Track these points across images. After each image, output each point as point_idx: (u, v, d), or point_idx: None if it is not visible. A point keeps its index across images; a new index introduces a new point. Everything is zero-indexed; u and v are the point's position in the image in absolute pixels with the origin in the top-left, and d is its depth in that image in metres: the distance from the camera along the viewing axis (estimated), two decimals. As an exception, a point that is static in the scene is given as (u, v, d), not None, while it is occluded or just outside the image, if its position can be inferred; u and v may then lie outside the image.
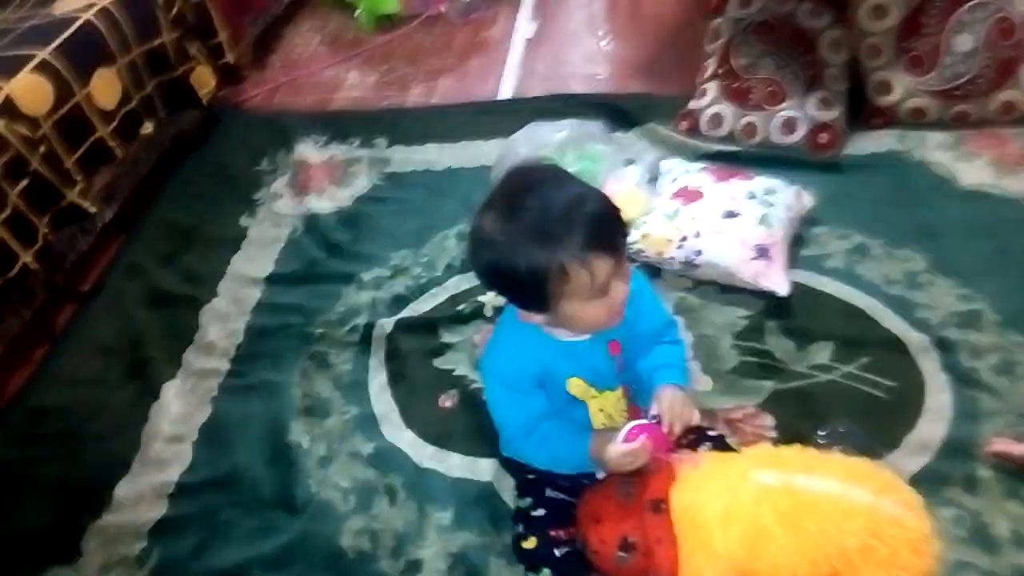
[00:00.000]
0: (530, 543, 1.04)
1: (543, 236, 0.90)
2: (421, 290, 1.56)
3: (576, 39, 2.36)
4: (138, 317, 1.60)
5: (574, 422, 1.06)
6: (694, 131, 1.80)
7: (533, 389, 1.04)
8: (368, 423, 1.33)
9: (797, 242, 1.49)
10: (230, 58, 2.23)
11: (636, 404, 1.10)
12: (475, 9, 2.51)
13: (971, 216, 1.51)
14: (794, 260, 1.45)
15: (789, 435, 1.16)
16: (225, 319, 1.57)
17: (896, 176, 1.62)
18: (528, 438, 1.06)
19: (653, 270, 1.47)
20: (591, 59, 2.25)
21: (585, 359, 1.04)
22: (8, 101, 1.50)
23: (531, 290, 0.93)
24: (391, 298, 1.55)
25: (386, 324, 1.49)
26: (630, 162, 1.67)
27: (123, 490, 1.28)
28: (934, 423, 1.18)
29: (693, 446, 1.08)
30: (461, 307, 1.50)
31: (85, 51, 1.67)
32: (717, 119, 1.78)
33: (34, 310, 1.60)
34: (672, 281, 1.47)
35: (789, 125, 1.71)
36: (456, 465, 1.25)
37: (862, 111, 1.74)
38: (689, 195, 1.49)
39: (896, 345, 1.30)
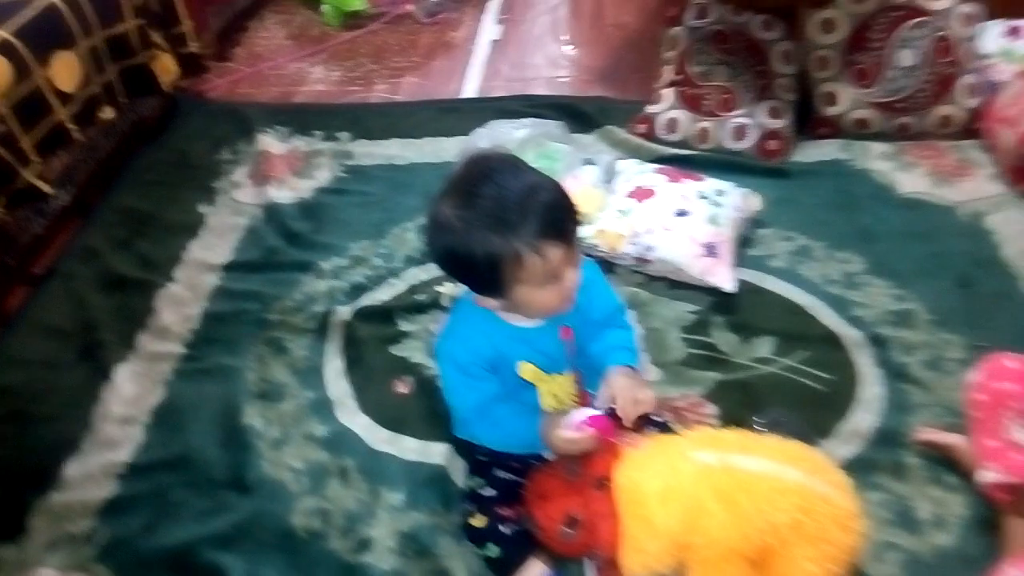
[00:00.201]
0: (478, 521, 1.07)
1: (499, 223, 0.93)
2: (380, 280, 1.58)
3: (540, 43, 2.41)
4: (91, 301, 1.58)
5: (525, 405, 1.09)
6: (650, 135, 1.86)
7: (486, 372, 1.08)
8: (323, 407, 1.35)
9: (744, 242, 1.56)
10: (193, 48, 2.22)
11: (585, 389, 1.14)
12: (441, 10, 2.54)
13: (908, 222, 1.59)
14: (741, 259, 1.51)
15: (730, 423, 1.19)
16: (181, 304, 1.56)
17: (839, 183, 1.70)
18: (481, 419, 1.09)
19: (607, 265, 1.51)
20: (554, 63, 2.31)
21: (537, 343, 1.08)
22: (-36, 78, 1.48)
23: (486, 275, 0.97)
24: (349, 287, 1.57)
25: (344, 312, 1.50)
26: (588, 162, 1.71)
27: (72, 469, 1.27)
28: (866, 414, 1.25)
29: (639, 430, 1.12)
30: (419, 297, 1.53)
31: (46, 33, 1.65)
32: (672, 124, 1.84)
33: (-15, 291, 1.58)
34: (625, 276, 1.52)
35: (740, 132, 1.78)
36: (409, 448, 1.27)
37: (809, 121, 1.82)
38: (642, 194, 1.54)
39: (833, 341, 1.36)
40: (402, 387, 1.37)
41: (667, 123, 1.85)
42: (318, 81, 2.30)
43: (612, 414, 1.01)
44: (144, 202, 1.84)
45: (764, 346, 1.37)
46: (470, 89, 2.22)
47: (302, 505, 1.20)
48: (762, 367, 1.34)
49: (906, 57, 1.72)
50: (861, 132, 1.79)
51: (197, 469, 1.27)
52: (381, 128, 2.02)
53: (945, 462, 1.16)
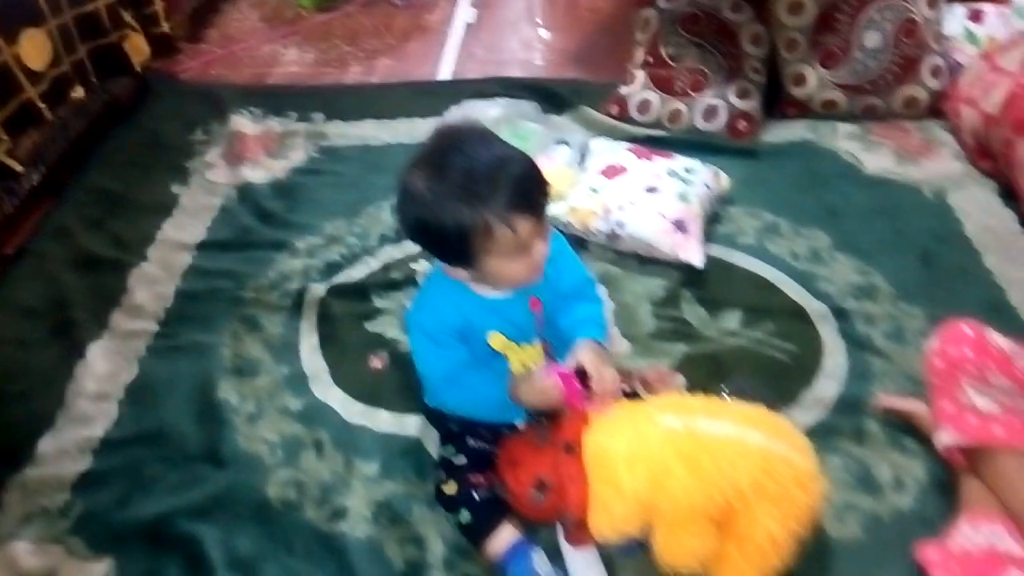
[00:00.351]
0: (450, 488, 1.09)
1: (469, 194, 0.95)
2: (354, 258, 1.59)
3: (514, 27, 2.42)
4: (64, 280, 1.58)
5: (495, 372, 1.11)
6: (623, 116, 1.88)
7: (455, 341, 1.09)
8: (298, 382, 1.35)
9: (714, 220, 1.58)
10: (165, 28, 2.22)
11: (554, 358, 1.16)
12: (417, -7, 2.54)
13: (873, 200, 1.63)
14: (710, 236, 1.54)
15: (698, 393, 1.24)
16: (154, 283, 1.56)
17: (807, 162, 1.74)
18: (450, 387, 1.11)
19: (579, 242, 1.53)
20: (528, 46, 2.32)
21: (507, 314, 1.10)
22: (-70, 54, 1.46)
23: (456, 246, 0.98)
24: (324, 265, 1.57)
25: (318, 289, 1.51)
26: (561, 142, 1.73)
27: (46, 445, 1.27)
28: (829, 382, 1.28)
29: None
30: (393, 274, 1.54)
31: (14, 10, 1.64)
32: (645, 105, 1.86)
33: (-46, 271, 1.57)
34: (597, 253, 1.54)
35: (711, 112, 1.80)
36: (384, 421, 1.28)
37: (778, 102, 1.85)
38: (613, 171, 1.56)
39: (799, 313, 1.40)
40: (377, 362, 1.38)
41: (639, 104, 1.87)
42: (292, 63, 2.29)
43: (580, 377, 1.04)
44: (116, 182, 1.83)
45: (732, 319, 1.40)
46: (445, 71, 2.23)
47: (277, 477, 1.21)
48: (730, 339, 1.37)
49: (872, 39, 1.75)
50: (828, 113, 1.82)
51: (171, 443, 1.27)
52: (355, 109, 2.02)
53: (905, 427, 1.20)
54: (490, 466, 1.09)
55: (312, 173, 1.84)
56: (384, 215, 1.69)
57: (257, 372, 1.38)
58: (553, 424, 1.06)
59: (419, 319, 1.12)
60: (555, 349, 1.15)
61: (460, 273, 1.06)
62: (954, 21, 1.83)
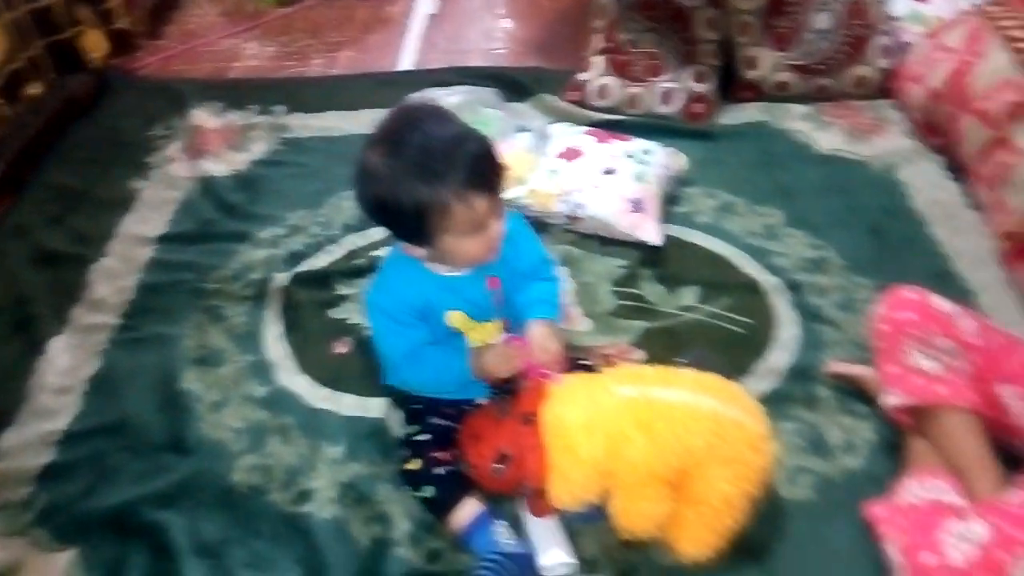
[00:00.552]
0: (414, 464, 1.11)
1: (426, 172, 0.96)
2: (317, 247, 1.59)
3: (476, 17, 2.43)
4: (24, 276, 1.56)
5: (454, 350, 1.13)
6: (582, 102, 1.91)
7: (415, 320, 1.11)
8: (262, 369, 1.36)
9: (671, 200, 1.61)
10: (123, 24, 2.20)
11: (513, 335, 1.18)
12: (377, -15, 2.54)
13: (825, 177, 1.68)
14: (668, 216, 1.57)
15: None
16: (115, 276, 1.56)
17: (761, 143, 1.78)
18: (410, 364, 1.12)
19: (540, 225, 1.55)
20: (490, 36, 2.34)
21: (465, 292, 1.12)
22: None
23: (413, 224, 1.00)
24: (287, 255, 1.58)
25: (281, 278, 1.52)
26: (521, 128, 1.75)
27: (8, 440, 1.27)
28: (783, 352, 1.32)
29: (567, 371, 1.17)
30: (357, 262, 1.55)
31: (-37, 4, 1.63)
32: (603, 90, 1.89)
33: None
34: (558, 235, 1.56)
35: (667, 96, 1.83)
36: (348, 404, 1.29)
37: (733, 84, 1.89)
38: (572, 154, 1.59)
39: (753, 287, 1.44)
40: (340, 347, 1.39)
41: (598, 90, 1.89)
42: (253, 57, 2.29)
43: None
44: (76, 178, 1.82)
45: (689, 295, 1.43)
46: (407, 62, 2.23)
47: (242, 463, 1.22)
48: (687, 314, 1.40)
49: (822, 20, 1.79)
50: (781, 94, 1.86)
51: (135, 434, 1.27)
52: (317, 101, 2.02)
53: (854, 392, 1.24)
54: (453, 442, 1.11)
55: (274, 165, 1.84)
56: (347, 204, 1.69)
57: (221, 361, 1.38)
58: (512, 397, 1.08)
59: (378, 299, 1.13)
60: (513, 326, 1.17)
61: (417, 251, 1.07)
62: (900, 2, 1.88)
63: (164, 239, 1.64)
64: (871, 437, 1.19)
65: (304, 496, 1.17)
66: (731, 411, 1.02)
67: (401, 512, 1.13)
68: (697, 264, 1.49)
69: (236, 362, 1.38)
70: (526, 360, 1.08)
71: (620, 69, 1.88)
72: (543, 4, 2.46)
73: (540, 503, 1.04)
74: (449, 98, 1.74)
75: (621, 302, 1.43)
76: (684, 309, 1.41)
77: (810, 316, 1.37)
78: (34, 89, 1.81)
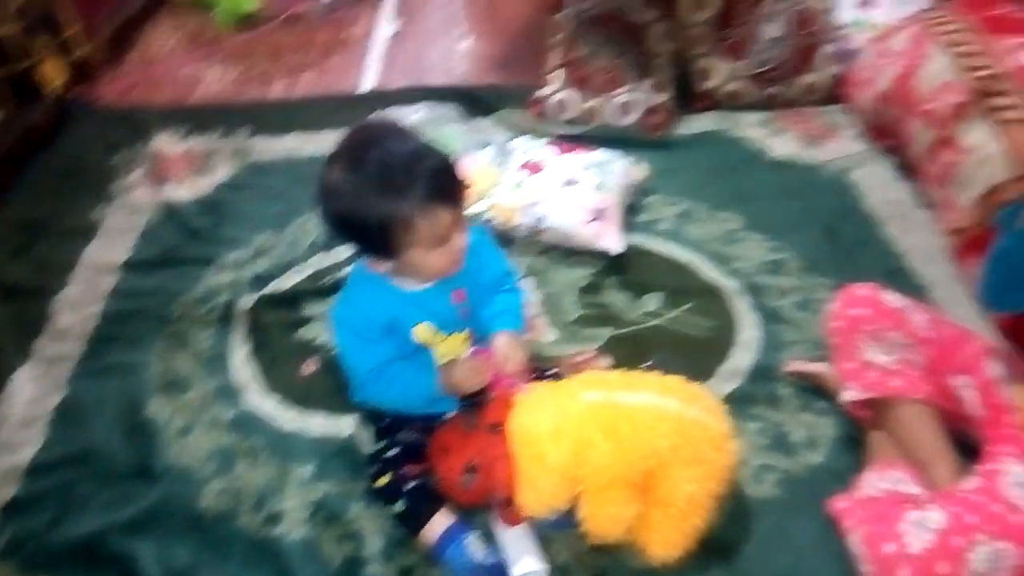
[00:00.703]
0: (385, 480, 1.11)
1: (388, 187, 0.97)
2: (283, 269, 1.59)
3: (437, 36, 2.46)
4: (-15, 311, 1.55)
5: (421, 364, 1.14)
6: (543, 116, 1.94)
7: (381, 336, 1.12)
8: (229, 393, 1.36)
9: (632, 210, 1.64)
10: (82, 54, 2.19)
11: (479, 348, 1.19)
12: (337, 8, 2.57)
13: (780, 182, 1.72)
14: (630, 225, 1.60)
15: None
16: (79, 306, 1.54)
17: (718, 151, 1.82)
18: (378, 382, 1.13)
19: (504, 238, 1.57)
20: (451, 55, 2.36)
21: (430, 306, 1.13)
22: None
23: (378, 238, 1.01)
24: (253, 277, 1.57)
25: (247, 301, 1.51)
26: (483, 143, 1.77)
27: (-29, 476, 1.25)
28: (745, 353, 1.35)
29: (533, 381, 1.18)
30: (323, 281, 1.55)
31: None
32: (562, 104, 1.92)
33: None
34: (522, 248, 1.58)
35: (625, 108, 1.87)
36: (318, 424, 1.29)
37: (689, 95, 1.93)
38: (533, 167, 1.61)
39: (715, 291, 1.47)
40: (309, 367, 1.39)
41: (558, 104, 1.92)
42: (214, 82, 2.29)
43: None
44: (37, 209, 1.80)
45: (652, 301, 1.45)
46: (369, 83, 2.25)
47: (211, 488, 1.21)
48: (651, 320, 1.42)
49: (771, 30, 1.85)
50: (736, 103, 1.91)
51: (102, 463, 1.26)
52: (280, 123, 2.03)
53: (814, 389, 1.27)
54: (423, 457, 1.12)
55: (239, 188, 1.84)
56: (312, 225, 1.70)
57: (187, 387, 1.37)
58: (479, 409, 1.09)
59: (344, 316, 1.14)
60: (479, 338, 1.18)
61: (383, 266, 1.08)
62: (846, 9, 1.94)
63: (127, 266, 1.64)
64: (832, 432, 1.21)
65: (274, 518, 1.17)
66: (694, 412, 1.04)
67: (373, 529, 1.14)
68: (660, 271, 1.52)
69: (202, 387, 1.37)
70: (492, 371, 1.09)
71: (579, 83, 1.92)
72: (502, 21, 2.49)
73: (510, 512, 1.05)
74: (411, 116, 1.76)
75: (586, 311, 1.45)
76: (648, 315, 1.43)
77: (770, 317, 1.40)
78: (-8, 120, 1.80)
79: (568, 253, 1.56)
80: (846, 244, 1.55)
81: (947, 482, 1.06)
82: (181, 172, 1.89)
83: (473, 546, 1.07)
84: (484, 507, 1.10)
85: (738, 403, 1.23)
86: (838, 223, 1.60)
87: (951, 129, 1.52)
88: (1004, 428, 1.07)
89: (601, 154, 1.64)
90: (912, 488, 1.08)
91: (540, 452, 1.01)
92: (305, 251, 1.63)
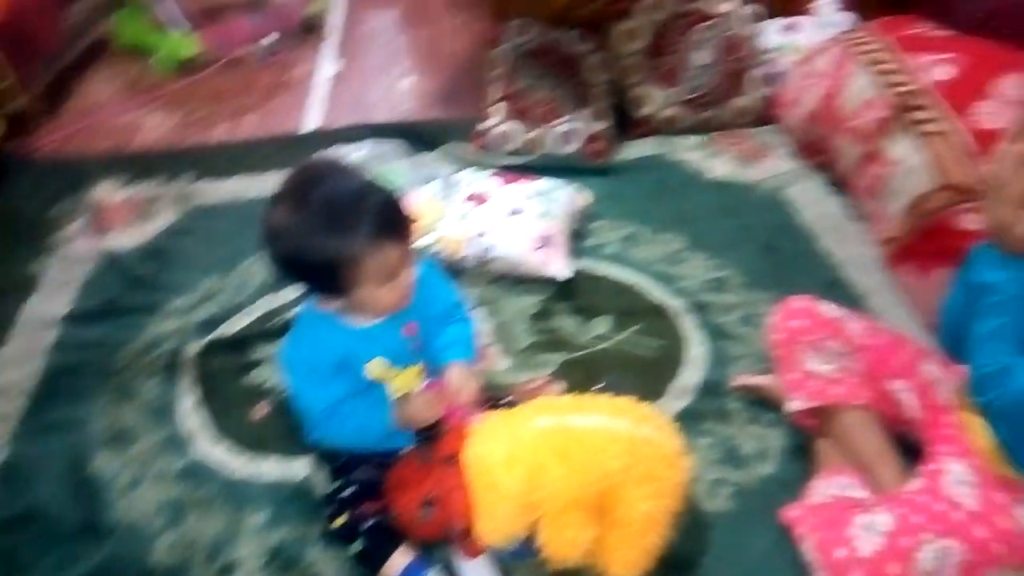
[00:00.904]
0: (341, 520, 1.10)
1: (334, 225, 0.97)
2: (231, 312, 1.58)
3: (379, 74, 2.49)
4: (-81, 375, 1.49)
5: (375, 400, 1.13)
6: (486, 148, 1.96)
7: (333, 375, 1.11)
8: (178, 443, 1.33)
9: (578, 235, 1.67)
10: (17, 105, 2.16)
11: (433, 380, 1.19)
12: (277, 51, 2.58)
13: (719, 202, 1.77)
14: (577, 250, 1.63)
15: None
16: (19, 362, 1.50)
17: (658, 174, 1.87)
18: (332, 420, 1.12)
19: (453, 271, 1.58)
20: (393, 92, 2.39)
21: (381, 341, 1.12)
22: None
23: (326, 277, 1.01)
24: (200, 323, 1.55)
25: (195, 347, 1.49)
26: (429, 178, 1.79)
27: (-95, 547, 1.20)
28: (693, 371, 1.37)
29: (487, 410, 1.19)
30: (272, 323, 1.54)
31: None
32: (505, 136, 1.95)
33: None
34: (472, 278, 1.59)
35: (566, 137, 1.91)
36: (271, 468, 1.27)
37: (627, 122, 1.98)
38: (478, 199, 1.63)
39: (662, 311, 1.50)
40: (260, 411, 1.38)
41: (500, 135, 1.95)
42: (155, 128, 2.27)
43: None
44: (-28, 267, 1.75)
45: (601, 325, 1.48)
46: (312, 123, 2.26)
47: (161, 542, 1.18)
48: (601, 343, 1.44)
49: (701, 57, 1.91)
50: (672, 128, 1.97)
51: (47, 523, 1.22)
52: (224, 166, 2.02)
53: (761, 402, 1.30)
54: (379, 494, 1.11)
55: (183, 233, 1.82)
56: (259, 267, 1.69)
57: (134, 439, 1.34)
58: (434, 442, 1.09)
59: (293, 356, 1.13)
60: (431, 371, 1.18)
61: (332, 304, 1.08)
62: (771, 34, 2.02)
63: (69, 319, 1.60)
64: (781, 443, 1.24)
65: (229, 568, 1.14)
66: (645, 432, 1.05)
67: (332, 572, 1.12)
68: (608, 294, 1.54)
69: (150, 438, 1.34)
70: (446, 403, 1.09)
71: (520, 114, 1.95)
72: (443, 58, 2.53)
73: (469, 543, 1.04)
74: (355, 153, 1.77)
75: (538, 337, 1.47)
76: (598, 339, 1.45)
77: (716, 334, 1.44)
78: (-78, 177, 1.75)
79: (517, 281, 1.58)
80: (785, 259, 1.60)
81: (892, 484, 1.09)
82: (124, 220, 1.86)
83: (433, 581, 1.06)
84: (444, 540, 1.10)
85: (689, 419, 1.25)
86: (776, 239, 1.65)
87: (876, 144, 1.59)
88: (943, 428, 1.11)
89: (545, 183, 1.68)
90: (859, 492, 1.10)
91: (495, 480, 1.01)
92: (252, 294, 1.62)
